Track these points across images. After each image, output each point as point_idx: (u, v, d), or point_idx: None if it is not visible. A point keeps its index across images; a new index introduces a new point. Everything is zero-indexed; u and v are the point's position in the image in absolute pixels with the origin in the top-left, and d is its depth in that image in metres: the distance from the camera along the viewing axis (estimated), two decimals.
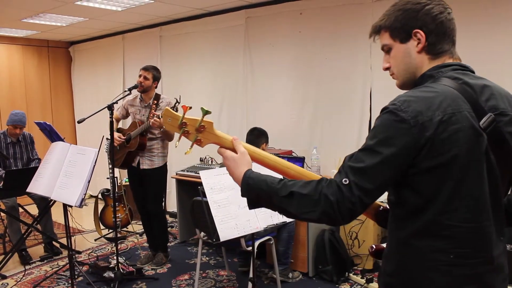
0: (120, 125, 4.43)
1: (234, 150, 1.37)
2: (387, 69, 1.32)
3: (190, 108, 1.40)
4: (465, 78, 1.19)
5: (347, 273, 3.87)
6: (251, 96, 5.09)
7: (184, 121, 1.34)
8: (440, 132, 1.09)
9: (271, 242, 3.56)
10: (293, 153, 4.52)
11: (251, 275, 3.17)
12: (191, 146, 1.39)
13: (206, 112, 1.34)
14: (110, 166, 4.16)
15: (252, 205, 1.31)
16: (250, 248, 3.18)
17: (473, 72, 1.25)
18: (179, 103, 3.82)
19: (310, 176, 1.34)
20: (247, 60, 5.08)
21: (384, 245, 1.34)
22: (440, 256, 1.15)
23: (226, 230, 2.65)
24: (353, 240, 4.01)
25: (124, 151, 4.12)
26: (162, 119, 1.39)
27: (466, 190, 1.13)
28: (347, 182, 1.11)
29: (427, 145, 1.09)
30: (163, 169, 4.22)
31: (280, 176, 1.31)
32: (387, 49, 1.30)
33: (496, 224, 1.19)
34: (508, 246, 3.12)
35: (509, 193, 1.32)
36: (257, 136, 3.92)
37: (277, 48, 4.84)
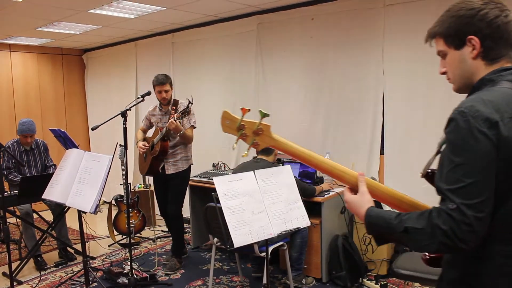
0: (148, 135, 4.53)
1: (309, 162, 1.45)
2: (443, 73, 1.32)
3: (249, 110, 1.39)
4: None
5: (361, 278, 3.84)
6: (263, 101, 5.09)
7: (242, 123, 1.35)
8: (510, 131, 1.09)
9: (285, 248, 3.55)
10: None
11: (264, 281, 3.17)
12: (248, 149, 1.40)
13: (264, 115, 1.34)
14: (124, 172, 4.20)
15: (379, 242, 1.33)
16: (263, 254, 3.18)
17: None
18: (192, 103, 3.87)
19: (420, 206, 1.33)
20: (259, 66, 5.09)
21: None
22: None
23: (240, 236, 2.65)
24: (367, 245, 3.98)
25: (149, 158, 4.20)
26: (221, 121, 1.39)
27: None
28: (455, 206, 1.08)
29: (501, 144, 1.09)
30: (186, 171, 4.31)
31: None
32: (442, 55, 1.30)
33: None
34: None
35: None
36: None
37: (289, 53, 4.84)
